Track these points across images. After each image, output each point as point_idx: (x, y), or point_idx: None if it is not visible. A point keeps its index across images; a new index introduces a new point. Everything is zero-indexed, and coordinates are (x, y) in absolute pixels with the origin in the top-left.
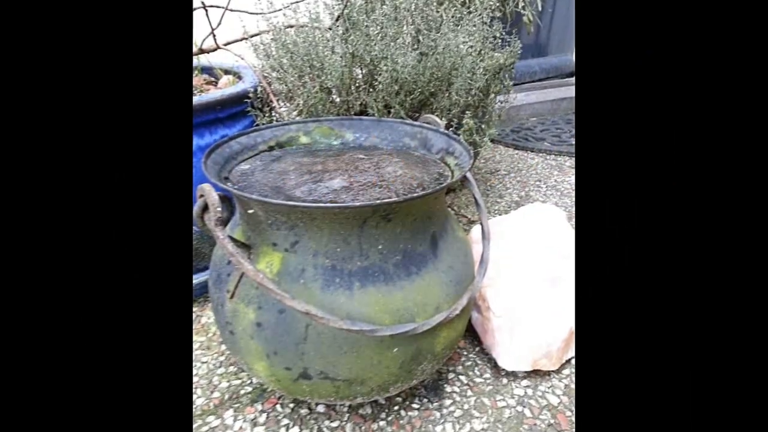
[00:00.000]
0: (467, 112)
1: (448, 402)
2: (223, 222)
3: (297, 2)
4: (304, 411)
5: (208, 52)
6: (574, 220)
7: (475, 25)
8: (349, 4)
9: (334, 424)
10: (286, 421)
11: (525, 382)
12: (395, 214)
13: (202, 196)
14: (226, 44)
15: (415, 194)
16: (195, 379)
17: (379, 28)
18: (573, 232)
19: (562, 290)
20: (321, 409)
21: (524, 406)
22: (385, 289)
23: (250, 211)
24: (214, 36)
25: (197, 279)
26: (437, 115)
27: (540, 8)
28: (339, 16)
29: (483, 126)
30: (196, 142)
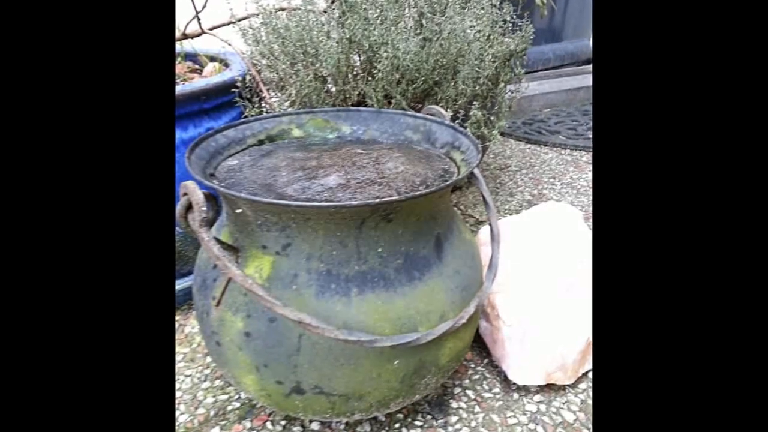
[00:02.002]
0: (475, 102)
1: (454, 419)
2: (209, 222)
3: None
4: (296, 429)
5: (192, 37)
6: (591, 220)
7: (483, 8)
8: None
9: None
10: None
11: (538, 398)
12: (396, 214)
13: (185, 194)
14: (211, 29)
15: (418, 192)
16: (178, 394)
17: (378, 11)
18: (590, 233)
19: (579, 297)
20: (315, 426)
21: (537, 424)
22: (385, 296)
23: (238, 211)
24: (198, 20)
25: (180, 285)
26: (442, 106)
27: None
28: None
29: (492, 118)
30: (179, 135)
